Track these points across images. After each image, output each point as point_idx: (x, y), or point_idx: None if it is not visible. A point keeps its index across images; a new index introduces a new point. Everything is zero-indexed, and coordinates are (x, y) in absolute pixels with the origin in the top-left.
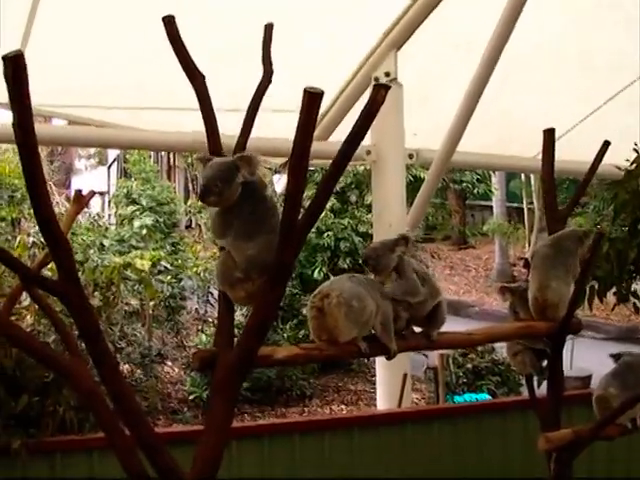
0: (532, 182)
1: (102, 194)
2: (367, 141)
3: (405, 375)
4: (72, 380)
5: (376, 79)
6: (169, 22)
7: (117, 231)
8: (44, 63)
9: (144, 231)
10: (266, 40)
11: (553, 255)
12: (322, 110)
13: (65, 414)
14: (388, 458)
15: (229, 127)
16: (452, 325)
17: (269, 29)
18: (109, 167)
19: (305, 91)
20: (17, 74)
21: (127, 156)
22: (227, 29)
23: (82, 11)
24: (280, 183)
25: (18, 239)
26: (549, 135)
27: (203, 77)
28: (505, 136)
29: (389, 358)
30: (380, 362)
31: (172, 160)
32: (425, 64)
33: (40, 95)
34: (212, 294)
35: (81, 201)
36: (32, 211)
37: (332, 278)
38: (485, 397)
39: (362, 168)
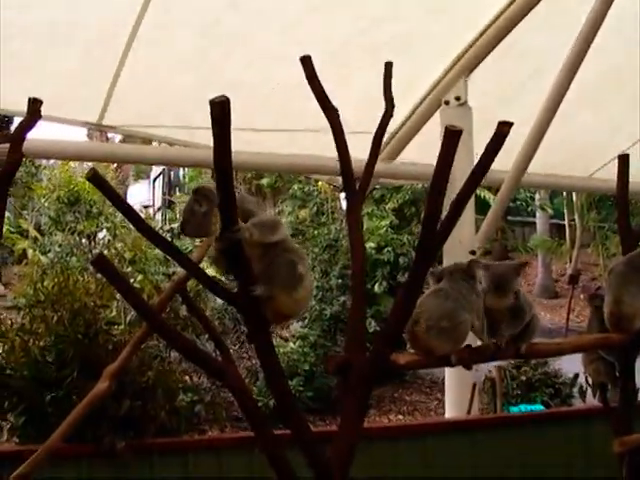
0: (574, 199)
1: (146, 207)
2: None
3: (474, 384)
4: (225, 380)
5: (446, 102)
6: (307, 61)
7: (179, 244)
8: (139, 84)
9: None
10: (387, 77)
11: (627, 272)
12: (391, 130)
13: (163, 418)
14: (459, 464)
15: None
16: None
17: (389, 67)
18: (154, 180)
19: (446, 129)
20: (221, 117)
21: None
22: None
23: (175, 36)
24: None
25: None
26: (624, 161)
27: (336, 110)
28: (560, 156)
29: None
30: (449, 372)
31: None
32: (491, 87)
33: (135, 116)
34: None
35: None
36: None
37: (422, 297)
38: (540, 408)
39: (420, 186)
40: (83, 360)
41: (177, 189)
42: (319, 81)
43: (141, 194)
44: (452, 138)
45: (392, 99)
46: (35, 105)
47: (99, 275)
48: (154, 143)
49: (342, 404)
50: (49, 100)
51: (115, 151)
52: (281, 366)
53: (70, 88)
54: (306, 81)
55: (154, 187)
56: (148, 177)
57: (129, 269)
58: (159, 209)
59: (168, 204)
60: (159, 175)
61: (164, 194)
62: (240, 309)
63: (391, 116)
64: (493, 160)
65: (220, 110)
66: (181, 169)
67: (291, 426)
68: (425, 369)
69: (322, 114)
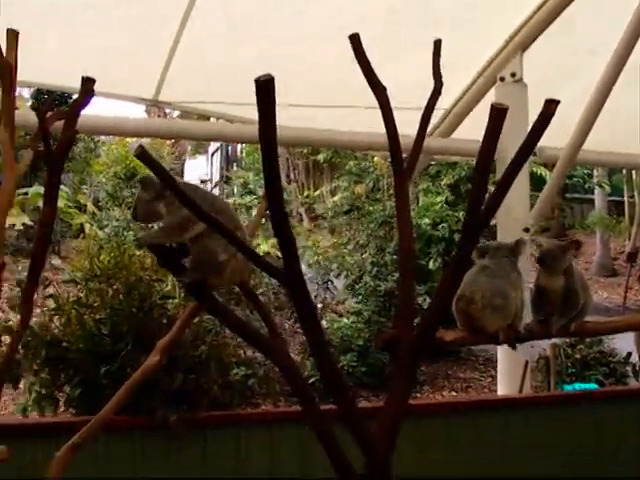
0: (633, 176)
1: (204, 182)
2: None
3: (527, 362)
4: (273, 357)
5: (502, 79)
6: (355, 40)
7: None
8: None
9: (262, 220)
10: (436, 54)
11: None
12: (447, 107)
13: (216, 391)
14: (511, 441)
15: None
16: None
17: (438, 44)
18: (212, 155)
19: (492, 106)
20: (266, 96)
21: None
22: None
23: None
24: None
25: None
26: None
27: (384, 88)
28: (616, 133)
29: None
30: (502, 350)
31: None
32: (546, 63)
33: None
34: (332, 281)
35: None
36: None
37: (468, 274)
38: (594, 387)
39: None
40: (137, 333)
41: (234, 164)
42: (367, 59)
43: (199, 169)
44: (498, 116)
45: (441, 77)
46: (88, 84)
47: None
48: (211, 119)
49: (390, 379)
50: (106, 77)
51: (171, 127)
52: (327, 341)
53: (127, 65)
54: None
55: (212, 162)
56: (206, 152)
57: None
58: (216, 184)
59: (226, 179)
60: (217, 150)
61: (222, 169)
62: (285, 284)
63: (439, 94)
64: (539, 138)
65: (265, 88)
66: (238, 145)
67: (338, 402)
68: (478, 346)
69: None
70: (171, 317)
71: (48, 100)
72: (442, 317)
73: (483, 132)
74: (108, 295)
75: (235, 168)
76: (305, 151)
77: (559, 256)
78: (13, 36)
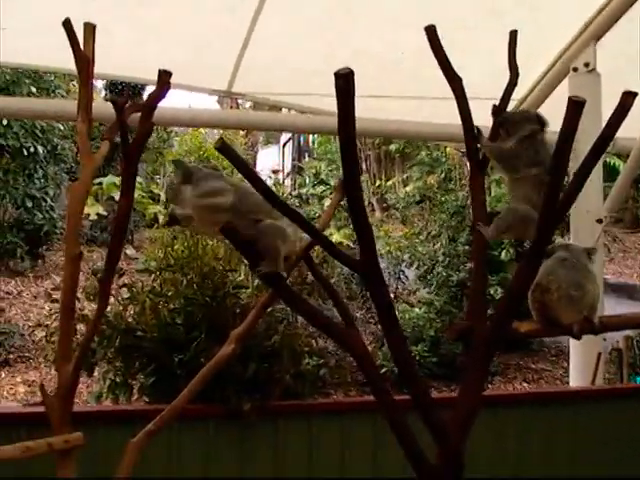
0: None
1: (276, 172)
2: None
3: (599, 354)
4: (347, 345)
5: (575, 69)
6: (431, 31)
7: (306, 210)
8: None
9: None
10: (511, 45)
11: None
12: (520, 97)
13: (288, 381)
14: (583, 433)
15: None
16: (627, 309)
17: (513, 35)
18: (284, 145)
19: (570, 100)
20: (346, 89)
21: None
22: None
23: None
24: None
25: None
26: None
27: (460, 79)
28: None
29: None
30: (574, 341)
31: None
32: (620, 53)
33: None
34: (403, 272)
35: (343, 189)
36: None
37: (545, 265)
38: None
39: None
40: (211, 323)
41: (306, 154)
42: (443, 51)
43: (271, 159)
44: (576, 109)
45: (516, 68)
46: (165, 77)
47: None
48: (283, 110)
49: (465, 371)
50: (180, 68)
51: (242, 118)
52: (403, 331)
53: (200, 56)
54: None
55: (284, 152)
56: (278, 142)
57: None
58: (288, 174)
59: (297, 169)
60: (288, 140)
61: (293, 159)
62: (361, 275)
63: (515, 85)
64: (616, 132)
65: (344, 82)
66: (310, 135)
67: (412, 391)
68: (549, 338)
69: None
70: (244, 307)
71: (125, 92)
72: (517, 308)
73: (557, 123)
74: (182, 285)
75: (307, 158)
76: (377, 142)
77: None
78: (90, 30)
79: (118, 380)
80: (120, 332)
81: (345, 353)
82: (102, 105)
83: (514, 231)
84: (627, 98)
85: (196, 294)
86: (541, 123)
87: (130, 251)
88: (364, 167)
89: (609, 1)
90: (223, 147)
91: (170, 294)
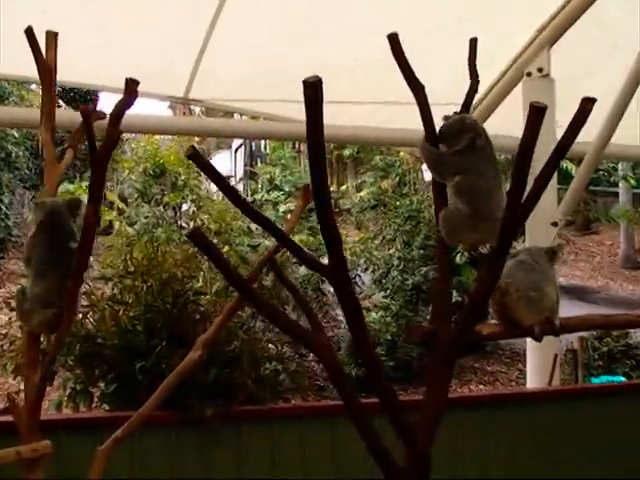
0: None
1: (227, 178)
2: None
3: (556, 355)
4: (315, 349)
5: (529, 74)
6: (394, 39)
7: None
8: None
9: (289, 216)
10: (471, 53)
11: None
12: (473, 102)
13: (250, 386)
14: (541, 433)
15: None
16: (578, 311)
17: (473, 43)
18: (235, 151)
19: (531, 105)
20: (314, 97)
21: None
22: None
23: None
24: (428, 173)
25: (192, 224)
26: None
27: (422, 86)
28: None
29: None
30: (531, 343)
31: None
32: (573, 58)
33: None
34: (359, 276)
35: (307, 195)
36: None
37: (505, 267)
38: (620, 380)
39: (502, 157)
40: (172, 330)
41: (259, 160)
42: (405, 58)
43: (222, 164)
44: (537, 115)
45: (477, 74)
46: (132, 85)
47: (185, 246)
48: (235, 116)
49: (428, 373)
50: (137, 75)
51: (205, 125)
52: (369, 334)
53: (157, 63)
54: (386, 55)
55: (235, 158)
56: (229, 147)
57: (214, 240)
58: (240, 179)
59: (250, 175)
60: (240, 146)
61: (245, 165)
62: (330, 279)
63: (476, 91)
64: (576, 137)
65: (313, 90)
66: (262, 140)
67: (380, 394)
68: (504, 340)
69: (405, 87)
70: (204, 313)
71: (93, 100)
72: (480, 311)
73: (510, 127)
74: (142, 292)
75: (260, 164)
76: (331, 147)
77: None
78: (52, 37)
79: (78, 388)
80: (80, 339)
81: (303, 358)
82: (63, 113)
83: (451, 237)
84: (586, 104)
85: (156, 301)
86: (477, 130)
87: None
88: None
89: (562, 7)
90: (194, 155)
91: (130, 301)
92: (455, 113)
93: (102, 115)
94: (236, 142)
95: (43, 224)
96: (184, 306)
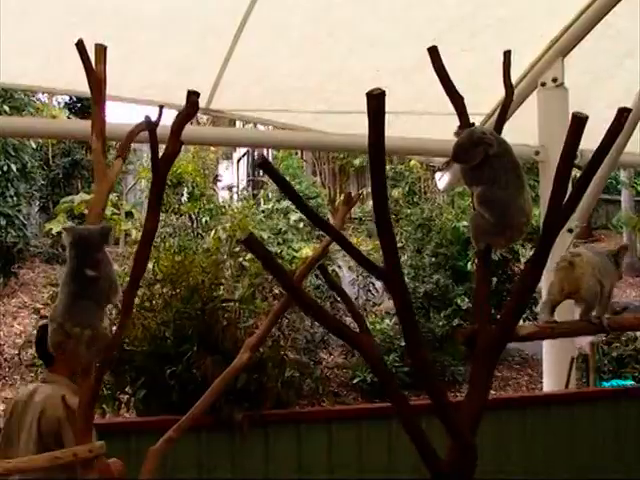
0: None
1: (230, 188)
2: (536, 142)
3: (572, 359)
4: (361, 349)
5: (543, 84)
6: (434, 52)
7: (271, 225)
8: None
9: (301, 224)
10: (505, 64)
11: None
12: (488, 112)
13: (278, 390)
14: (558, 435)
15: None
16: None
17: (507, 55)
18: (238, 161)
19: (574, 115)
20: (377, 109)
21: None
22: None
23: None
24: (442, 180)
25: (213, 232)
26: None
27: (462, 98)
28: None
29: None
30: (547, 346)
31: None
32: (586, 67)
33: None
34: (374, 284)
35: (350, 202)
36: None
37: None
38: (631, 384)
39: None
40: (201, 336)
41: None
42: (446, 71)
43: (225, 174)
44: (578, 124)
45: (511, 85)
46: (192, 96)
47: (207, 255)
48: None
49: (471, 372)
50: (160, 86)
51: (274, 137)
52: (422, 336)
53: (180, 74)
54: (407, 66)
55: (238, 167)
56: (230, 158)
57: (237, 249)
58: (243, 189)
59: (257, 184)
60: (243, 155)
61: (249, 175)
62: (384, 280)
63: (511, 102)
64: (612, 146)
65: (376, 102)
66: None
67: (430, 391)
68: (513, 346)
69: (421, 98)
70: (230, 319)
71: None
72: (522, 312)
73: (523, 136)
74: (171, 299)
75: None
76: (332, 156)
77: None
78: (101, 51)
79: (106, 394)
80: (107, 347)
81: (317, 366)
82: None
83: (477, 241)
84: (622, 114)
85: (186, 307)
86: (488, 142)
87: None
88: (319, 181)
89: (576, 18)
90: (264, 164)
91: (158, 308)
92: (459, 127)
93: (143, 127)
94: (238, 152)
95: (69, 251)
96: (213, 312)
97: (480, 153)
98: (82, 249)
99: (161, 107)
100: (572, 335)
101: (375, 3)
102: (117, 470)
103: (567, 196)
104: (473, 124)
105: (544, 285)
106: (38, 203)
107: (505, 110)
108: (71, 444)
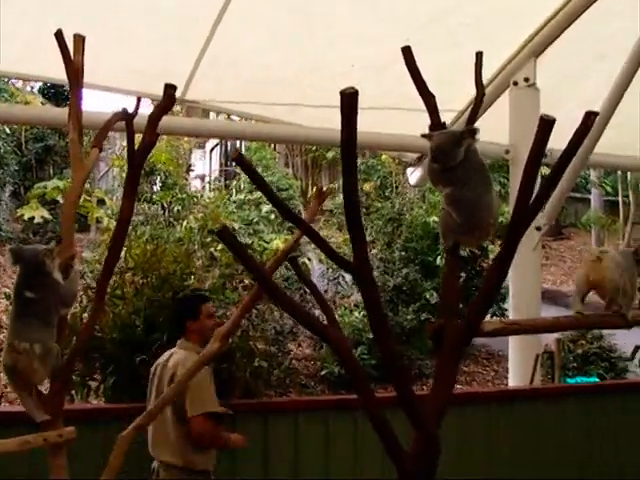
0: (628, 176)
1: (202, 177)
2: (506, 141)
3: (538, 355)
4: (331, 342)
5: (515, 83)
6: (407, 51)
7: (242, 215)
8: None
9: (272, 216)
10: (477, 65)
11: None
12: (461, 109)
13: (247, 379)
14: (523, 430)
15: None
16: (554, 313)
17: (479, 56)
18: (211, 150)
19: (541, 118)
20: (349, 108)
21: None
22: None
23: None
24: (413, 176)
25: (184, 222)
26: None
27: (433, 96)
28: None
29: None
30: (513, 343)
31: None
32: (558, 68)
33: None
34: (343, 277)
35: (322, 196)
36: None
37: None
38: (595, 380)
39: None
40: (171, 324)
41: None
42: (418, 70)
43: (198, 164)
44: (546, 126)
45: (483, 85)
46: (169, 89)
47: (178, 244)
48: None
49: (436, 366)
50: (136, 75)
51: (246, 129)
52: (390, 330)
53: (156, 64)
54: (381, 62)
55: (211, 157)
56: (203, 147)
57: (209, 239)
58: (215, 179)
59: (225, 175)
60: (216, 145)
61: (221, 165)
62: (353, 274)
63: (482, 102)
64: (579, 147)
65: (349, 101)
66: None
67: (397, 384)
68: (480, 341)
69: (394, 94)
70: None
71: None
72: (488, 308)
73: (494, 135)
74: (142, 287)
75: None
76: (304, 148)
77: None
78: (80, 41)
79: (76, 380)
80: (79, 334)
81: (284, 357)
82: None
83: (445, 239)
84: (589, 117)
85: (157, 296)
86: (470, 144)
87: (87, 254)
88: (291, 173)
89: (550, 19)
90: (238, 159)
91: (130, 296)
92: (430, 127)
93: (121, 117)
94: (211, 142)
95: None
96: None
97: (460, 154)
98: (23, 270)
99: (139, 99)
100: (600, 327)
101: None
102: (238, 441)
103: (534, 195)
104: (444, 123)
105: (511, 281)
106: (10, 188)
107: (476, 110)
108: (191, 408)
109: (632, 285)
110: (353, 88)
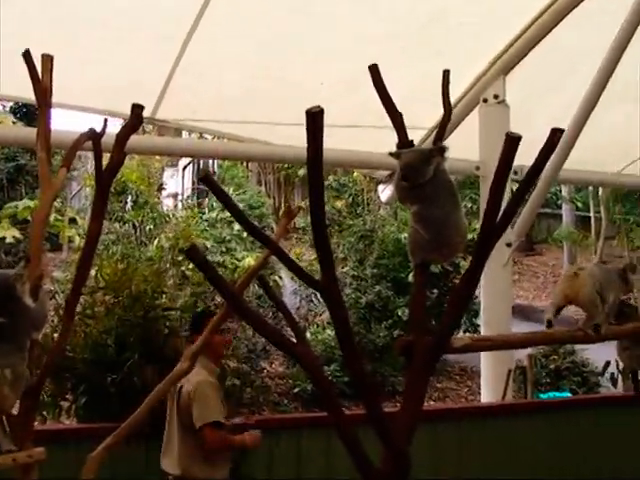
0: (599, 192)
1: (175, 196)
2: (477, 157)
3: (510, 371)
4: (300, 359)
5: (485, 100)
6: (374, 70)
7: (214, 233)
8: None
9: (244, 234)
10: (444, 83)
11: None
12: (431, 126)
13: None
14: (495, 447)
15: None
16: (526, 329)
17: (446, 75)
18: (184, 169)
19: (507, 135)
20: (314, 126)
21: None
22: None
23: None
24: (384, 193)
25: (156, 241)
26: None
27: (400, 114)
28: (590, 153)
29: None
30: (485, 359)
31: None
32: (528, 84)
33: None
34: (315, 294)
35: (291, 214)
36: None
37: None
38: (568, 395)
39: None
40: (143, 343)
41: None
42: (385, 88)
43: (170, 183)
44: (512, 143)
45: (450, 104)
46: (137, 109)
47: (150, 263)
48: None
49: (406, 383)
50: (106, 94)
51: (218, 148)
52: (359, 348)
53: (126, 83)
54: (351, 79)
55: (184, 175)
56: (175, 165)
57: (180, 257)
58: (188, 197)
59: (198, 193)
60: (189, 164)
61: (194, 183)
62: (321, 292)
63: (449, 120)
64: (546, 163)
65: (313, 120)
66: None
67: (366, 401)
68: (453, 357)
69: (364, 111)
70: (172, 328)
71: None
72: (457, 324)
73: (464, 151)
74: (113, 306)
75: None
76: (277, 166)
77: (421, 165)
78: (48, 60)
79: (47, 400)
80: (49, 353)
81: (258, 375)
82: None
83: (413, 256)
84: (555, 134)
85: (128, 315)
86: (439, 162)
87: (57, 273)
88: (264, 190)
89: (518, 36)
90: (206, 178)
91: (101, 316)
92: (397, 145)
93: (89, 137)
94: (184, 160)
95: None
96: (155, 320)
97: (429, 172)
98: None
99: (105, 119)
100: (569, 342)
101: (324, 16)
102: (253, 440)
103: (502, 211)
104: (412, 141)
105: (482, 297)
106: None
107: (444, 127)
108: (197, 419)
109: (613, 301)
110: (319, 107)
